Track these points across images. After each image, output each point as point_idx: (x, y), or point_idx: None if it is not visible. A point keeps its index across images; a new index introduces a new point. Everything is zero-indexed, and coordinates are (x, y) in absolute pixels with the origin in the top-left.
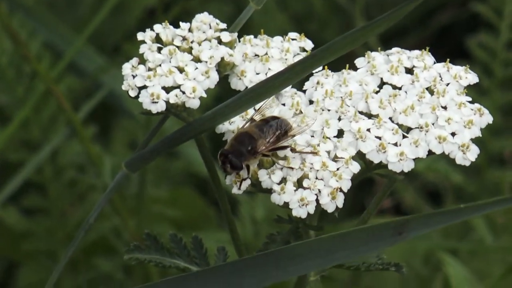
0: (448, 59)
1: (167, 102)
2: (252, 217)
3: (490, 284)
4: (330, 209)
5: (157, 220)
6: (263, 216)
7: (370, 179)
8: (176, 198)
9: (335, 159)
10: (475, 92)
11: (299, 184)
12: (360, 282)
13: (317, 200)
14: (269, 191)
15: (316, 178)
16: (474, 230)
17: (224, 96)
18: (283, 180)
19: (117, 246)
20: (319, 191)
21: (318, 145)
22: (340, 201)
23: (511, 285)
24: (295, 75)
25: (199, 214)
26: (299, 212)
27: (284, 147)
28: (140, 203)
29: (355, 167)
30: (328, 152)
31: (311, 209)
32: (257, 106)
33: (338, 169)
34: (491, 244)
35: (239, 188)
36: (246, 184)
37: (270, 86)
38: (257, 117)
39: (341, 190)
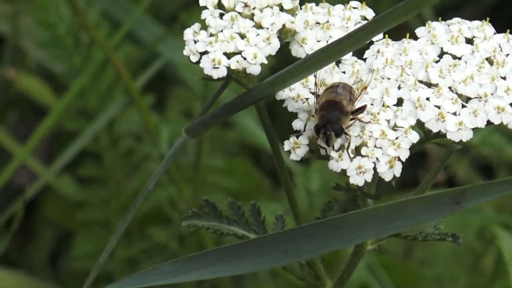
0: (508, 30)
1: (228, 68)
2: (307, 188)
3: None
4: (388, 177)
5: (212, 190)
6: (318, 187)
7: (423, 152)
8: (231, 168)
9: (394, 128)
10: None
11: (357, 151)
12: (412, 255)
13: (374, 169)
14: (327, 157)
15: (375, 146)
16: None
17: (280, 68)
18: (342, 147)
19: (172, 216)
20: (377, 159)
21: (378, 113)
22: (398, 170)
23: None
24: (356, 42)
25: (253, 184)
26: (356, 179)
27: (363, 107)
28: (196, 173)
29: (414, 137)
30: (388, 121)
31: (369, 177)
32: (313, 80)
33: (397, 138)
34: None
35: (298, 155)
36: (304, 150)
37: (330, 52)
38: (321, 89)
39: (399, 159)
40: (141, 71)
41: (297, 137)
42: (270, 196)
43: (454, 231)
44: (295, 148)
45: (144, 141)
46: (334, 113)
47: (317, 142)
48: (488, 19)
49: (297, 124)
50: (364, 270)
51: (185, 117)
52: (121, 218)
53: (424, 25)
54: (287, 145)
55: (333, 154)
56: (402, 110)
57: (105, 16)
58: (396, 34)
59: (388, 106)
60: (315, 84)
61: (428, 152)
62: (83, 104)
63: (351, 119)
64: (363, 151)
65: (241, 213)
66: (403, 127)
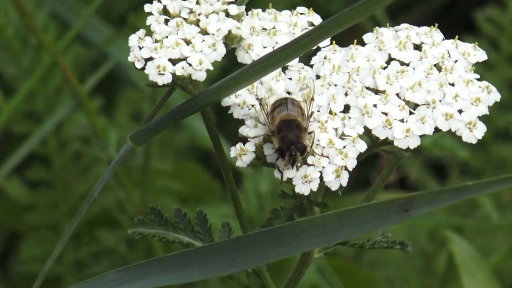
0: (457, 36)
1: (173, 74)
2: (256, 191)
3: (494, 262)
4: (334, 187)
5: (161, 193)
6: (267, 190)
7: (375, 152)
8: (181, 171)
9: (342, 136)
10: (482, 67)
11: (303, 160)
12: (364, 258)
13: (321, 178)
14: (274, 165)
15: (322, 155)
16: (479, 207)
17: (232, 67)
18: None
19: (121, 219)
20: (324, 168)
21: (326, 121)
22: (344, 179)
23: None
24: (302, 47)
25: (203, 187)
26: (302, 188)
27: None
28: (145, 176)
29: (362, 146)
30: (336, 129)
31: (314, 186)
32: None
33: (344, 147)
34: (496, 221)
35: (244, 161)
36: (251, 157)
37: (277, 58)
38: (268, 107)
39: (346, 169)
40: (90, 72)
41: (244, 144)
42: (220, 198)
43: (404, 234)
44: (242, 155)
45: (93, 144)
46: (294, 132)
47: (277, 163)
48: (436, 25)
49: (244, 131)
50: (314, 273)
51: (134, 119)
52: (70, 221)
53: (377, 25)
54: (233, 151)
55: (279, 162)
56: (349, 118)
57: (54, 17)
58: (349, 34)
59: (335, 113)
60: (261, 103)
61: (380, 152)
62: (31, 107)
63: (308, 133)
64: (310, 160)
65: (187, 221)
66: (351, 136)
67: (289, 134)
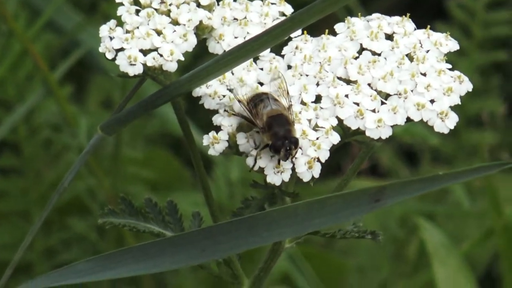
0: (428, 26)
1: (144, 65)
2: (227, 178)
3: (466, 249)
4: (306, 178)
5: (132, 181)
6: (238, 177)
7: None
8: (151, 159)
9: (315, 128)
10: (453, 54)
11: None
12: (335, 245)
13: (293, 168)
14: (246, 155)
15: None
16: (451, 193)
17: (204, 55)
18: (260, 145)
19: (92, 206)
20: (296, 159)
21: (300, 112)
22: (316, 171)
23: (487, 250)
24: (274, 38)
25: (174, 175)
26: (274, 179)
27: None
28: (116, 164)
29: (335, 138)
30: (309, 121)
31: (286, 177)
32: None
33: (317, 138)
34: (467, 208)
35: (216, 150)
36: (223, 146)
37: (248, 49)
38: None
39: (318, 160)
40: (61, 59)
41: (217, 132)
42: (190, 186)
43: (375, 222)
44: (214, 143)
45: (63, 131)
46: (285, 127)
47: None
48: (408, 14)
49: (217, 120)
50: (285, 261)
51: (105, 106)
52: (40, 209)
53: (350, 14)
54: (206, 140)
55: (253, 152)
56: (321, 108)
57: (24, 4)
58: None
59: (307, 104)
60: (240, 101)
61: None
62: (1, 95)
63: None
64: None
65: (157, 210)
66: (324, 128)
67: (280, 129)
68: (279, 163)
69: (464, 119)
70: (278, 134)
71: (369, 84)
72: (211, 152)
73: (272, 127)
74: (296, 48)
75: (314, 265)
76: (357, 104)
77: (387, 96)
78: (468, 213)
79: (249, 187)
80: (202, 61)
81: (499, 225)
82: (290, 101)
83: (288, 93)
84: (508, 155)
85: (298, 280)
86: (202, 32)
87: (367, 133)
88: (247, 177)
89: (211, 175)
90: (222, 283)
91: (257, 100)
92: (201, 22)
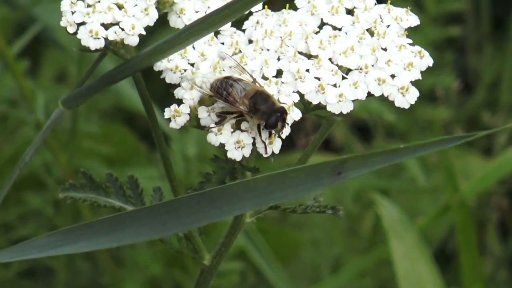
0: (389, 0)
1: (105, 39)
2: (183, 154)
3: (422, 224)
4: (266, 154)
5: (88, 156)
6: (194, 153)
7: None
8: (108, 133)
9: None
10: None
11: (237, 125)
12: (289, 219)
13: (253, 144)
14: (207, 129)
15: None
16: (405, 169)
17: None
18: (222, 121)
19: (48, 181)
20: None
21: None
22: (277, 146)
23: (442, 225)
24: (235, 12)
25: (130, 149)
26: (234, 154)
27: None
28: (72, 139)
29: (297, 114)
30: None
31: (247, 152)
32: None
33: None
34: (422, 184)
35: (178, 123)
36: (185, 119)
37: (209, 23)
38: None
39: (279, 136)
40: (16, 33)
41: (178, 106)
42: (146, 160)
43: (330, 196)
44: (176, 117)
45: (20, 106)
46: (269, 102)
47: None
48: None
49: (179, 93)
50: (241, 236)
51: (60, 81)
52: None
53: None
54: (167, 112)
55: (214, 127)
56: (283, 83)
57: None
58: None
59: (270, 79)
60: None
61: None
62: None
63: None
64: (243, 125)
65: (118, 185)
66: (286, 104)
67: (267, 106)
68: (271, 135)
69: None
70: (268, 112)
71: (330, 59)
72: (172, 125)
73: (259, 108)
74: (257, 22)
75: (269, 239)
76: (318, 78)
77: (348, 71)
78: (423, 189)
79: (206, 163)
80: (154, 37)
81: (455, 201)
82: (251, 75)
83: (243, 68)
84: (462, 131)
85: (253, 255)
86: (163, 6)
87: (328, 108)
88: (204, 153)
89: (168, 151)
90: (178, 258)
91: (226, 86)
92: None
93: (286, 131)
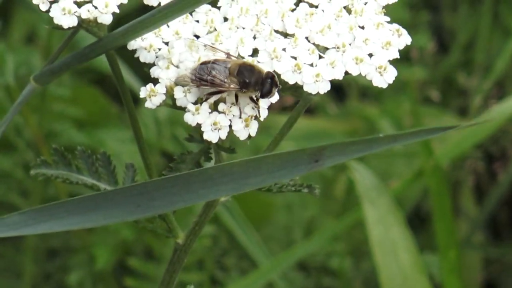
0: None
1: (78, 17)
2: (154, 117)
3: (396, 189)
4: (243, 136)
5: (58, 118)
6: (165, 116)
7: None
8: (79, 95)
9: None
10: None
11: (214, 106)
12: None
13: (230, 126)
14: (184, 109)
15: (233, 103)
16: (379, 132)
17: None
18: (199, 100)
19: (17, 143)
20: (234, 116)
21: None
22: (253, 129)
23: (417, 188)
24: None
25: (101, 111)
26: (210, 135)
27: None
28: (42, 101)
29: (275, 97)
30: None
31: (223, 134)
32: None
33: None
34: (396, 148)
35: (153, 103)
36: (160, 99)
37: (185, 2)
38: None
39: (256, 118)
40: None
41: (154, 85)
42: (117, 122)
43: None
44: (151, 96)
45: None
46: (256, 72)
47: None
48: None
49: (155, 72)
50: None
51: (29, 41)
52: None
53: None
54: (143, 92)
55: (190, 106)
56: (259, 62)
57: None
58: None
59: (243, 58)
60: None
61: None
62: None
63: None
64: (221, 107)
65: (90, 162)
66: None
67: (257, 77)
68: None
69: None
70: (260, 81)
71: (306, 38)
72: (147, 105)
73: (250, 81)
74: (233, 0)
75: (242, 203)
76: (295, 58)
77: (325, 49)
78: (398, 152)
79: (176, 126)
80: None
81: (429, 165)
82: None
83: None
84: (437, 92)
85: (225, 218)
86: None
87: (305, 88)
88: (175, 116)
89: (139, 113)
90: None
91: (207, 71)
92: None
93: (263, 114)
